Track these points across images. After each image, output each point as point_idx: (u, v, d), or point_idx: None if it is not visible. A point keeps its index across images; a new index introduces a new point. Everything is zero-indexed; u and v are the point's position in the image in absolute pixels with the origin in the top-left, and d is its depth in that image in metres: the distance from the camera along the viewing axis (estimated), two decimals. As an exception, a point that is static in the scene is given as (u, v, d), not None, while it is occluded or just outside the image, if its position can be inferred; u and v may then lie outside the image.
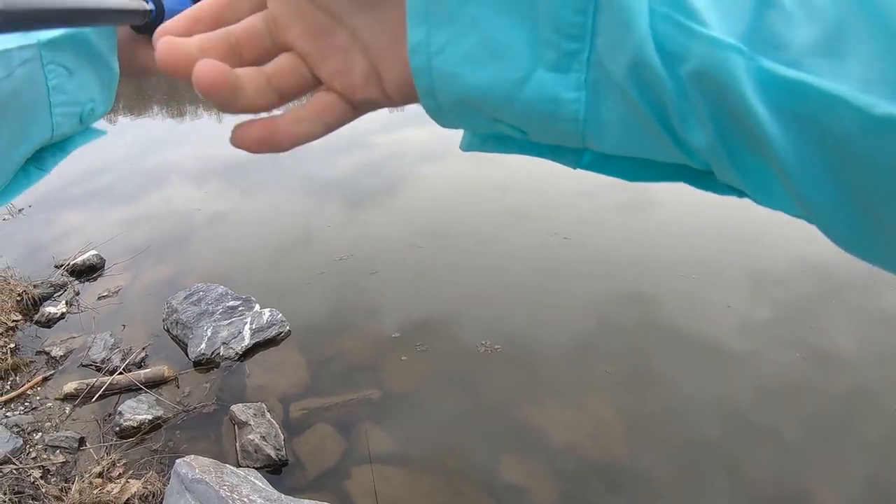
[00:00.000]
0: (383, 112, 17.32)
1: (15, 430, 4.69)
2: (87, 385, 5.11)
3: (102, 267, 7.73)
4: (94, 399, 5.03)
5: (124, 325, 6.15)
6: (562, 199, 9.16)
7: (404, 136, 14.67)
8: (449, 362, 5.17)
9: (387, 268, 5.56)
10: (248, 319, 5.66)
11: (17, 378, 5.45)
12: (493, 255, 7.13)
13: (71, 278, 7.42)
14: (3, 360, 5.57)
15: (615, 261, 6.86)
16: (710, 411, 4.61)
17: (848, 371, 5.12)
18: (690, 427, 4.49)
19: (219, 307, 5.84)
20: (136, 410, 4.73)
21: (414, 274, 6.58)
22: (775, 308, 5.90)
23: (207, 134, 18.84)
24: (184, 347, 5.60)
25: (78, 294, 7.02)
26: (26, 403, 5.11)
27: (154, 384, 5.12)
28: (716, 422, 4.53)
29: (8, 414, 4.93)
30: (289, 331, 5.65)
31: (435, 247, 7.33)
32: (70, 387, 5.13)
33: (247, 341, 5.45)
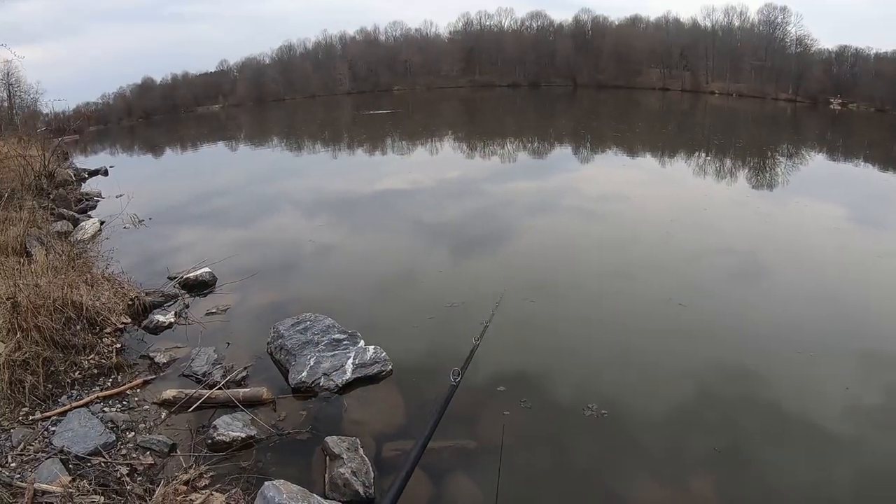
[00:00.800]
0: (495, 161, 17.53)
1: (110, 425, 4.71)
2: (186, 394, 5.11)
3: (213, 284, 7.95)
4: (190, 409, 5.00)
5: (228, 343, 6.20)
6: (669, 261, 8.74)
7: (514, 186, 14.80)
8: (552, 422, 4.84)
9: (497, 319, 5.26)
10: (352, 354, 5.57)
11: (119, 377, 5.55)
12: (605, 315, 6.81)
13: (182, 291, 7.64)
14: (108, 357, 5.70)
15: (729, 330, 6.39)
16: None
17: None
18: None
19: (324, 338, 5.82)
20: (230, 427, 4.64)
21: (524, 329, 6.35)
22: (889, 393, 5.20)
23: (323, 168, 19.76)
24: (285, 373, 5.55)
25: (188, 307, 7.21)
26: (124, 402, 5.16)
27: (251, 404, 5.05)
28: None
29: (105, 409, 4.98)
30: (391, 370, 5.51)
31: (546, 302, 7.12)
32: (169, 393, 5.15)
33: (348, 375, 5.33)
